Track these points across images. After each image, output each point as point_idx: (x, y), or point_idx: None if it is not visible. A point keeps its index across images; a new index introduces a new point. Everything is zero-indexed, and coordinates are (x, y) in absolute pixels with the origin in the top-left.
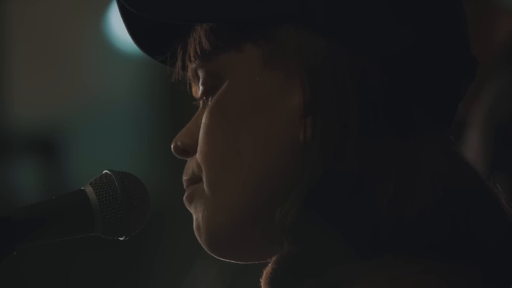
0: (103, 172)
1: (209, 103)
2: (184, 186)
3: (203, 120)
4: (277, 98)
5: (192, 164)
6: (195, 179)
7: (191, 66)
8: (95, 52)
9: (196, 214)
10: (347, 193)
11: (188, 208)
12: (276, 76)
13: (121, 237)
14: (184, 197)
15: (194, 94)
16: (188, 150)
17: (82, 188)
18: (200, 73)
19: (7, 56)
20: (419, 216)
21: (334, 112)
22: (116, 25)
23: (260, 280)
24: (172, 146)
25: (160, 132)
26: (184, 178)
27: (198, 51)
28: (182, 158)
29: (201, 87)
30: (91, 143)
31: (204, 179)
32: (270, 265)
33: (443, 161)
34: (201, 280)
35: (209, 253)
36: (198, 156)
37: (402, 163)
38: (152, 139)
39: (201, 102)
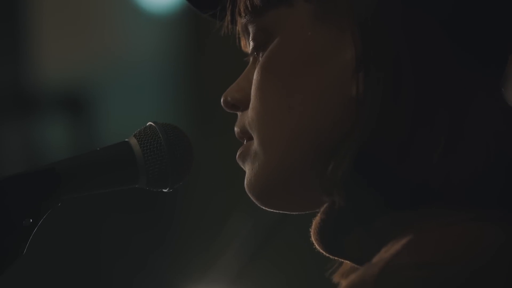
0: (147, 124)
1: (260, 59)
2: (237, 136)
3: (255, 76)
4: (329, 53)
5: (243, 118)
6: (246, 133)
7: (241, 21)
8: (121, 12)
9: (248, 171)
10: (398, 146)
11: (242, 166)
12: (328, 32)
13: (165, 188)
14: (237, 155)
15: (243, 48)
16: (238, 105)
17: (126, 140)
18: (251, 29)
19: (37, 17)
20: (470, 171)
21: (387, 66)
22: None
23: (304, 231)
24: (222, 100)
25: (185, 92)
26: (236, 129)
27: (249, 6)
28: (231, 111)
29: (251, 43)
30: (118, 101)
31: (255, 135)
32: (319, 215)
33: (497, 116)
34: (237, 233)
35: (259, 205)
36: (250, 112)
37: (455, 117)
38: (176, 99)
39: (251, 57)
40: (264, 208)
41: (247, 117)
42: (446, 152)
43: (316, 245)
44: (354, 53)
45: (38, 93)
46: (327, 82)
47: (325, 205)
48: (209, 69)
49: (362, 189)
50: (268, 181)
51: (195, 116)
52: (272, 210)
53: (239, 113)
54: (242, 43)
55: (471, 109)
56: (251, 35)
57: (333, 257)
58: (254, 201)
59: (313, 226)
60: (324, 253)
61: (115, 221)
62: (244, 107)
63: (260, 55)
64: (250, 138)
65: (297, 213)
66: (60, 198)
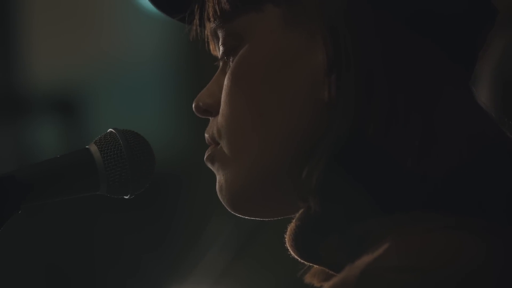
0: (108, 131)
1: (230, 64)
2: (207, 142)
3: (225, 82)
4: (299, 58)
5: (213, 124)
6: (215, 140)
7: (210, 25)
8: (115, 12)
9: (219, 176)
10: (371, 150)
11: (211, 168)
12: (298, 36)
13: (126, 195)
14: (205, 158)
15: (212, 52)
16: (210, 110)
17: (87, 146)
18: (220, 33)
19: (31, 16)
20: (445, 174)
21: (359, 68)
22: None
23: (282, 236)
24: (193, 106)
25: (185, 94)
26: (206, 135)
27: (218, 10)
28: (204, 117)
29: (221, 48)
30: (114, 104)
31: (224, 141)
32: (293, 221)
33: (469, 116)
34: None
35: (232, 212)
36: (220, 118)
37: (428, 119)
38: (176, 101)
39: (221, 62)
40: (236, 214)
41: (216, 123)
42: (420, 155)
43: (291, 251)
44: (325, 57)
45: (29, 95)
46: (298, 87)
47: (300, 211)
48: (208, 69)
49: (337, 194)
50: (239, 188)
51: (195, 118)
52: (244, 217)
53: (211, 118)
54: (211, 47)
55: (443, 110)
56: (220, 40)
57: (308, 264)
58: (227, 207)
59: (288, 232)
60: (299, 259)
61: (105, 222)
62: (216, 112)
63: (230, 60)
64: (216, 145)
65: (270, 219)
66: (20, 206)
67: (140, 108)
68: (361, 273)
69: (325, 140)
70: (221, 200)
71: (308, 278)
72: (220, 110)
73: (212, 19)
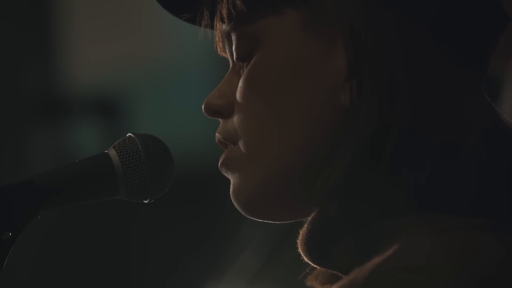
0: (127, 135)
1: (244, 67)
2: (217, 142)
3: (241, 85)
4: (319, 62)
5: (227, 125)
6: (231, 140)
7: (223, 27)
8: (155, 14)
9: (234, 178)
10: (390, 154)
11: (225, 174)
12: (317, 40)
13: (145, 200)
14: (219, 163)
15: (219, 52)
16: (221, 112)
17: (105, 151)
18: (234, 36)
19: (73, 18)
20: (464, 176)
21: (380, 73)
22: None
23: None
24: (203, 107)
25: None
26: (218, 136)
27: (233, 12)
28: (213, 118)
29: (234, 50)
30: (155, 107)
31: (241, 143)
32: (305, 225)
33: (485, 118)
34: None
35: (246, 215)
36: (236, 119)
37: (447, 124)
38: None
39: (231, 63)
40: (250, 217)
41: (232, 126)
42: (440, 159)
43: (303, 256)
44: (346, 61)
45: (70, 97)
46: (317, 91)
47: (312, 215)
48: None
49: (352, 198)
50: (255, 190)
51: None
52: (257, 220)
53: (221, 120)
54: (219, 47)
55: (462, 114)
56: (234, 42)
57: (319, 268)
58: (240, 210)
59: (300, 237)
60: (312, 264)
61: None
62: (227, 113)
63: (245, 63)
64: (234, 144)
65: (283, 222)
66: (39, 211)
67: (183, 110)
68: (370, 274)
69: (344, 144)
70: (235, 203)
71: (310, 281)
72: (236, 112)
73: (226, 20)
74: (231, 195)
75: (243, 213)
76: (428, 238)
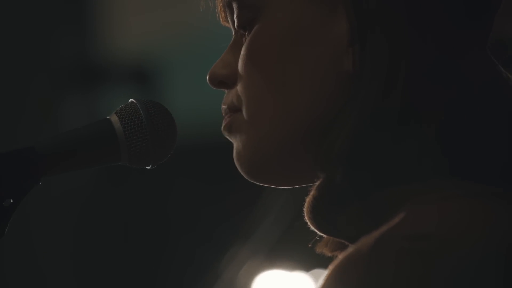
0: (129, 101)
1: (246, 35)
2: (223, 114)
3: (243, 53)
4: (321, 28)
5: (232, 95)
6: (235, 109)
7: None
8: None
9: (236, 143)
10: (395, 121)
11: (228, 137)
12: (318, 6)
13: (148, 166)
14: (222, 127)
15: (222, 22)
16: (226, 81)
17: (107, 117)
18: (235, 5)
19: None
20: (469, 146)
21: (383, 38)
22: None
23: None
24: (207, 77)
25: None
26: (223, 107)
27: None
28: (218, 89)
29: (236, 20)
30: (186, 73)
31: (244, 110)
32: (311, 192)
33: (491, 82)
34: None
35: (249, 179)
36: (239, 87)
37: (451, 92)
38: None
39: (234, 32)
40: (254, 182)
41: (236, 94)
42: (444, 126)
43: (309, 224)
44: (348, 27)
45: (106, 65)
46: (320, 58)
47: (318, 182)
48: None
49: (357, 164)
50: (257, 154)
51: None
52: (260, 184)
53: (226, 90)
54: (221, 16)
55: (468, 77)
56: (236, 11)
57: (323, 244)
58: (243, 174)
59: (306, 205)
60: (318, 232)
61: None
62: (232, 83)
63: (246, 32)
64: (238, 110)
65: (287, 187)
66: (40, 177)
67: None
68: (376, 242)
69: (348, 109)
70: (238, 167)
71: (319, 248)
72: (239, 80)
73: None
74: (234, 159)
75: (246, 178)
76: (435, 205)
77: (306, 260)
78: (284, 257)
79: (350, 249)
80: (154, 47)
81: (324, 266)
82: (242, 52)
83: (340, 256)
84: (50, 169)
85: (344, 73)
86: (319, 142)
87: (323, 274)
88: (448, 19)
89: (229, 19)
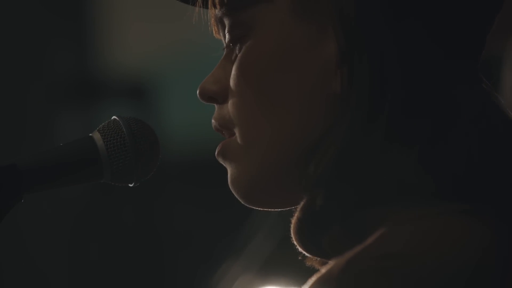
0: (112, 118)
1: (236, 52)
2: (214, 129)
3: (233, 72)
4: (310, 49)
5: (222, 111)
6: (226, 128)
7: (215, 12)
8: None
9: (231, 169)
10: (378, 144)
11: (222, 163)
12: (308, 27)
13: (131, 183)
14: (216, 153)
15: (215, 35)
16: (216, 97)
17: (90, 134)
18: (226, 21)
19: (105, 4)
20: (453, 167)
21: (371, 60)
22: None
23: None
24: (198, 92)
25: None
26: (214, 122)
27: None
28: (208, 103)
29: (227, 36)
30: (182, 91)
31: (237, 133)
32: (296, 214)
33: (477, 103)
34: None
35: (246, 204)
36: (231, 108)
37: (439, 111)
38: None
39: (226, 48)
40: (248, 206)
41: (227, 112)
42: (429, 147)
43: (296, 244)
44: (336, 49)
45: (103, 80)
46: (309, 78)
47: (302, 203)
48: None
49: (341, 185)
50: (252, 181)
51: None
52: (255, 208)
53: (216, 105)
54: (214, 30)
55: (454, 102)
56: (226, 28)
57: (313, 257)
58: (240, 199)
59: (292, 226)
60: (305, 252)
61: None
62: (222, 99)
63: (237, 48)
64: (229, 132)
65: (280, 209)
66: (22, 195)
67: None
68: (346, 263)
69: (334, 131)
70: (234, 192)
71: (309, 261)
72: (230, 99)
73: (218, 6)
74: (229, 184)
75: (243, 203)
76: (409, 225)
77: (298, 276)
78: (276, 273)
79: (322, 271)
80: (152, 63)
81: None
82: (233, 71)
83: (314, 277)
84: (32, 187)
85: (332, 94)
86: (307, 162)
87: None
88: (438, 44)
89: (221, 33)
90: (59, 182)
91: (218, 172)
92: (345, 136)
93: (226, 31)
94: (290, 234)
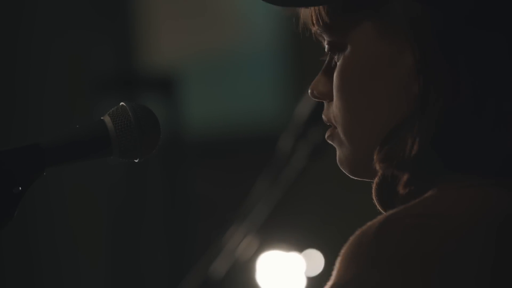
0: (120, 104)
1: (336, 60)
2: (324, 122)
3: (335, 79)
4: (393, 61)
5: (328, 110)
6: (331, 123)
7: (313, 28)
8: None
9: (338, 152)
10: (454, 129)
11: (331, 143)
12: (389, 43)
13: (136, 159)
14: (326, 136)
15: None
16: (323, 98)
17: (101, 118)
18: (324, 37)
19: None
20: (497, 147)
21: (443, 69)
22: None
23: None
24: (309, 92)
25: (286, 83)
26: (324, 118)
27: (320, 21)
28: (318, 101)
29: (326, 47)
30: (208, 89)
31: (340, 129)
32: (376, 180)
33: None
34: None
35: (352, 177)
36: (334, 108)
37: (503, 105)
38: (275, 89)
39: (327, 55)
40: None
41: (332, 111)
42: (492, 137)
43: (376, 203)
44: (413, 60)
45: (138, 77)
46: (394, 84)
47: (379, 174)
48: (311, 61)
49: (412, 165)
50: (353, 162)
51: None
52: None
53: (325, 102)
54: (315, 39)
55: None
56: (325, 41)
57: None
58: (347, 174)
59: (373, 189)
60: (382, 210)
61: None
62: (328, 98)
63: (335, 57)
64: (335, 127)
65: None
66: (44, 169)
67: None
68: (385, 219)
69: (415, 121)
70: (341, 169)
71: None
72: (334, 102)
73: (315, 24)
74: (338, 163)
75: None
76: (446, 192)
77: (298, 241)
78: (277, 238)
79: (366, 224)
80: (181, 64)
81: (316, 246)
82: (334, 79)
83: (357, 231)
84: (53, 162)
85: (412, 94)
86: (390, 148)
87: (315, 254)
88: (502, 52)
89: (322, 42)
90: (75, 157)
91: (226, 149)
92: (427, 125)
93: (325, 43)
94: (289, 203)
